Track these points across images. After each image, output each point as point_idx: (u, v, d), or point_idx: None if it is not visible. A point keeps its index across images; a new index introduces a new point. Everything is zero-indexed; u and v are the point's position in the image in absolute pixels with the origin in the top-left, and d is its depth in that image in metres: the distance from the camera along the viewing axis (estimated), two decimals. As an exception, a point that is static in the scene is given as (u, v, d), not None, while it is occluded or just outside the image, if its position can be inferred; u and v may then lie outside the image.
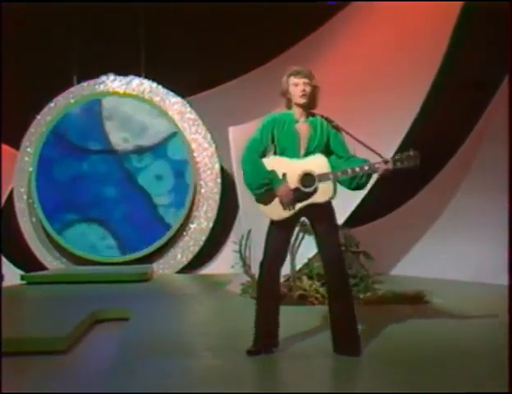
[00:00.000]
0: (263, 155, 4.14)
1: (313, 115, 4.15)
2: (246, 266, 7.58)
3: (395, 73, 7.99)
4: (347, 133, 4.11)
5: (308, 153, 4.07)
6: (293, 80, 4.09)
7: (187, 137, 11.63)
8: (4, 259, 10.50)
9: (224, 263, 10.83)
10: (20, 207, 11.57)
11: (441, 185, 9.85)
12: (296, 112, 4.15)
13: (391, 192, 9.51)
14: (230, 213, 11.49)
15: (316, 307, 6.25)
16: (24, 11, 10.29)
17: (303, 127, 4.12)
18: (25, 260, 11.11)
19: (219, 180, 11.64)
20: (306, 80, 4.07)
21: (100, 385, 3.69)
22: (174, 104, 11.71)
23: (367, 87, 7.92)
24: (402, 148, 7.42)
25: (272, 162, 4.10)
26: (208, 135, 11.71)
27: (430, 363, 3.90)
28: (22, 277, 9.67)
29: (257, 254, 7.61)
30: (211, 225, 11.58)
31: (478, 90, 8.94)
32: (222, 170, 11.70)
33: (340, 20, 9.94)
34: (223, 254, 11.53)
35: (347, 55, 8.82)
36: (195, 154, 11.67)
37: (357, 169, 3.95)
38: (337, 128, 4.09)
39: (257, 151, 4.11)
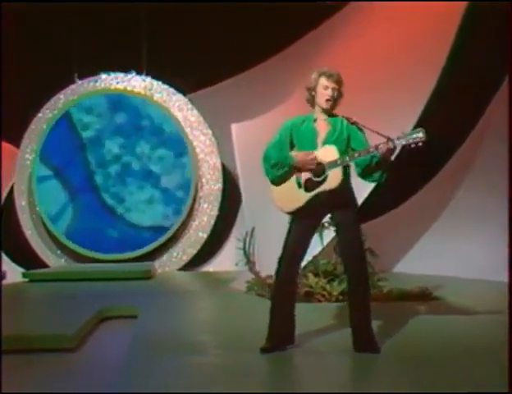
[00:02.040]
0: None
1: (334, 115, 4.17)
2: (250, 263, 7.60)
3: (397, 72, 8.01)
4: (362, 126, 4.12)
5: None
6: (324, 81, 4.09)
7: (188, 134, 11.64)
8: (4, 257, 10.50)
9: (226, 261, 10.86)
10: (21, 204, 11.56)
11: (442, 183, 9.88)
12: (317, 112, 4.17)
13: (393, 189, 9.55)
14: (232, 210, 11.51)
15: (322, 304, 6.27)
16: (24, 8, 10.26)
17: (321, 125, 4.15)
18: (26, 258, 11.10)
19: (220, 178, 11.65)
20: (336, 86, 4.08)
21: (114, 383, 3.69)
22: (175, 101, 11.72)
23: (368, 86, 7.94)
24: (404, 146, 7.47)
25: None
26: (210, 132, 11.72)
27: (438, 360, 3.92)
28: (24, 275, 9.67)
29: (261, 252, 7.70)
30: (212, 222, 11.59)
31: (480, 89, 8.98)
32: (224, 167, 11.71)
33: (339, 18, 9.95)
34: (224, 251, 11.56)
35: (347, 54, 8.83)
36: (197, 151, 11.68)
37: (363, 152, 3.99)
38: (356, 124, 4.11)
39: (274, 147, 4.15)
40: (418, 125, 7.47)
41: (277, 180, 4.15)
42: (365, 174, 4.13)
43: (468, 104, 9.21)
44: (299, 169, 4.08)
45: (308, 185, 4.07)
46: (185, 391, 3.34)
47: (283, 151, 4.15)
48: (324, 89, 4.08)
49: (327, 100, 4.07)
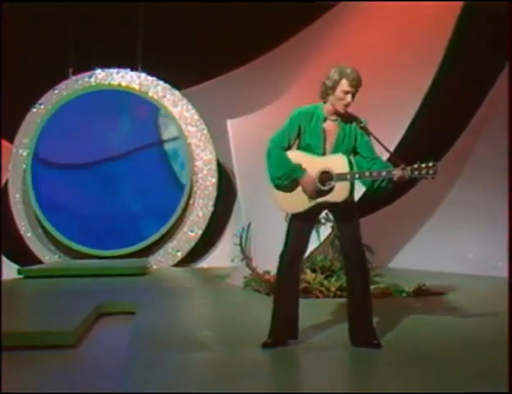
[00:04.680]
0: (289, 148, 4.12)
1: (344, 114, 4.06)
2: (247, 259, 7.60)
3: (395, 68, 8.03)
4: (371, 135, 4.08)
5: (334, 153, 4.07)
6: (345, 86, 3.95)
7: (183, 129, 11.61)
8: (-1, 253, 10.47)
9: (221, 257, 10.86)
10: (15, 200, 11.51)
11: (438, 178, 9.88)
12: (327, 109, 4.08)
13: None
14: (227, 206, 11.51)
15: (320, 300, 6.28)
16: (23, 6, 10.22)
17: (331, 126, 4.07)
18: (21, 254, 11.06)
19: (216, 174, 11.63)
20: (354, 92, 3.97)
21: (115, 379, 3.69)
22: (170, 97, 11.69)
23: (366, 82, 7.93)
24: (402, 143, 7.50)
25: (293, 156, 4.08)
26: (205, 128, 11.70)
27: (436, 356, 3.93)
28: (19, 272, 9.63)
29: (257, 247, 7.71)
30: (207, 218, 11.57)
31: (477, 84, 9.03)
32: (219, 163, 11.70)
33: (336, 15, 9.95)
34: (219, 247, 11.55)
35: (345, 49, 8.83)
36: (192, 147, 11.66)
37: (374, 173, 3.96)
38: (364, 129, 4.06)
39: (282, 144, 4.08)
40: (416, 120, 7.59)
41: (283, 189, 4.08)
42: (369, 189, 4.12)
43: (464, 99, 9.25)
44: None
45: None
46: (188, 385, 3.34)
47: (288, 147, 4.09)
48: (344, 94, 3.96)
49: (345, 105, 3.98)
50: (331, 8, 10.08)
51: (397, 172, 3.90)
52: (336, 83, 3.98)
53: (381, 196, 4.16)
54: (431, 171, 3.89)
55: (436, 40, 7.61)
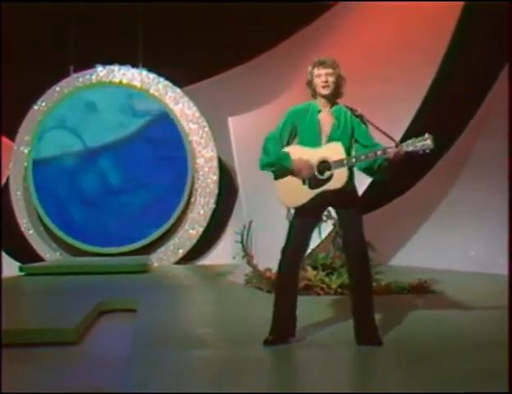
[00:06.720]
0: (286, 145, 4.16)
1: (338, 105, 4.15)
2: (248, 256, 7.62)
3: (395, 66, 8.03)
4: (367, 120, 4.11)
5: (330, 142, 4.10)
6: (316, 71, 4.10)
7: (185, 127, 11.62)
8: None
9: (222, 254, 10.87)
10: (16, 198, 11.53)
11: (439, 177, 9.93)
12: (320, 102, 4.15)
13: (389, 183, 9.57)
14: (228, 203, 11.53)
15: (321, 297, 6.29)
16: (23, 6, 10.24)
17: (326, 117, 4.12)
18: (22, 252, 11.09)
19: (217, 171, 11.65)
20: (329, 71, 4.06)
21: (116, 376, 3.70)
22: (172, 94, 11.70)
23: (366, 80, 7.93)
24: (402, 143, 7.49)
25: (291, 150, 4.12)
26: (206, 125, 11.71)
27: (437, 354, 3.93)
28: (20, 269, 9.65)
29: (259, 245, 7.72)
30: (209, 215, 11.59)
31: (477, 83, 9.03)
32: (220, 160, 11.72)
33: (337, 13, 9.96)
34: (221, 244, 11.57)
35: (345, 47, 8.83)
36: (194, 145, 11.67)
37: (370, 154, 3.96)
38: (361, 117, 4.10)
39: (275, 139, 4.14)
40: (416, 120, 7.59)
41: (276, 176, 4.15)
42: (367, 172, 4.13)
43: (464, 99, 9.26)
44: (295, 174, 4.07)
45: (313, 182, 4.05)
46: (189, 383, 3.35)
47: (283, 145, 4.13)
48: (318, 78, 4.09)
49: (323, 86, 4.06)
50: (331, 8, 10.09)
51: (392, 149, 3.91)
52: (311, 74, 4.14)
53: (384, 178, 4.15)
54: (426, 144, 3.87)
55: (436, 40, 7.61)
